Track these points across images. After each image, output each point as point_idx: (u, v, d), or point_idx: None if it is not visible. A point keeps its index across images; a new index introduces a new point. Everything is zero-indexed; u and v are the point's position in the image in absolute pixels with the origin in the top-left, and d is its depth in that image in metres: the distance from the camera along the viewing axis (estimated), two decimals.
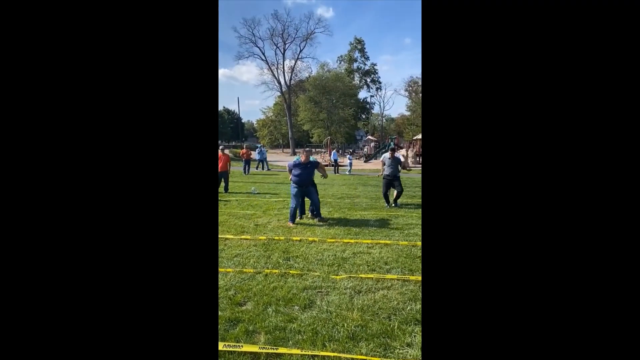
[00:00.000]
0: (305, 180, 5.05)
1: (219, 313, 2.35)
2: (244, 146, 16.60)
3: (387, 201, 6.45)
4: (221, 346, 1.94)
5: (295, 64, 36.01)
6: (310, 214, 5.37)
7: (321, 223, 5.08)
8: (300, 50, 35.98)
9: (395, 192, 6.46)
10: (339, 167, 15.40)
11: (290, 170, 5.23)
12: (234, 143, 45.51)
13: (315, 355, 1.87)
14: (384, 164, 6.38)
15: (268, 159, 17.69)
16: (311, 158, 5.19)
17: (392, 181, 6.30)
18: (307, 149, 6.18)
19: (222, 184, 8.32)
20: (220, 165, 7.95)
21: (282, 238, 4.26)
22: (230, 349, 1.92)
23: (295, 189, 5.04)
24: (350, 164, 15.32)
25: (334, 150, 17.06)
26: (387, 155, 6.44)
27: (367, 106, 45.19)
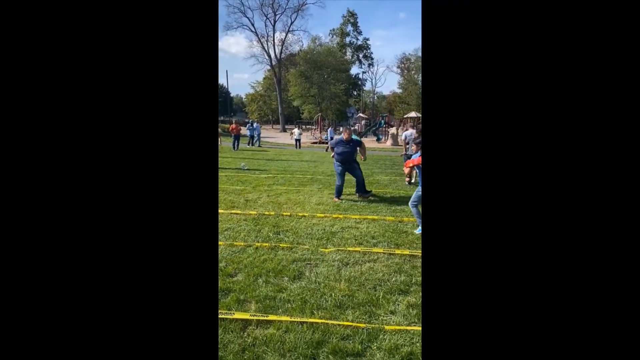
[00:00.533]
0: (348, 158, 5.10)
1: None
2: (234, 121, 16.31)
3: (410, 179, 6.63)
4: None
5: (285, 37, 34.85)
6: (357, 195, 5.30)
7: (363, 198, 5.17)
8: (292, 22, 34.73)
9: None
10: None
11: (332, 148, 5.25)
12: (222, 118, 44.55)
13: (304, 322, 1.97)
14: (407, 143, 6.45)
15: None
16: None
17: None
18: (348, 126, 6.20)
19: None
20: None
21: (272, 213, 4.32)
22: (223, 316, 2.00)
23: (340, 167, 5.08)
24: None
25: (330, 128, 16.94)
26: (414, 133, 6.57)
27: (359, 82, 44.51)
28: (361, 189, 5.25)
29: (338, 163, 5.09)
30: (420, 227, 3.71)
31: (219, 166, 8.58)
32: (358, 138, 5.40)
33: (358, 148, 5.27)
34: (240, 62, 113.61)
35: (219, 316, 2.00)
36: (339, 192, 5.16)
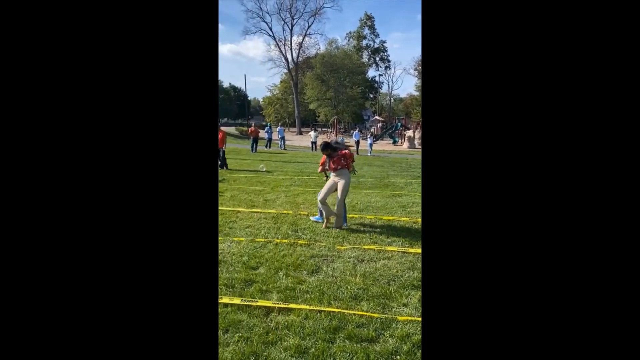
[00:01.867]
0: None
1: (235, 275, 2.62)
2: (252, 124, 16.78)
3: None
4: (239, 300, 2.21)
5: (303, 40, 35.33)
6: None
7: None
8: (309, 26, 35.21)
9: None
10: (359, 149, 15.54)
11: None
12: (240, 121, 45.45)
13: (322, 310, 2.13)
14: None
15: (275, 138, 18.01)
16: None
17: None
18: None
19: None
20: None
21: (290, 212, 4.50)
22: (247, 303, 2.19)
23: None
24: (371, 145, 15.49)
25: (356, 131, 17.09)
26: None
27: (376, 85, 44.44)
28: None
29: None
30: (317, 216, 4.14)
31: (239, 168, 8.88)
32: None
33: None
34: (258, 66, 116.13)
35: (245, 303, 2.19)
36: None
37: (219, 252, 3.12)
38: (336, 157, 3.85)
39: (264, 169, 8.75)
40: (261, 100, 53.80)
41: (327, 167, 3.98)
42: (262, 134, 17.14)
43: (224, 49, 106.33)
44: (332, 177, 3.91)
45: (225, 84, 50.60)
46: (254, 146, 14.26)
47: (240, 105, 50.46)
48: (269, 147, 16.51)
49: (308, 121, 41.75)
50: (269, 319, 2.06)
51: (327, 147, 3.90)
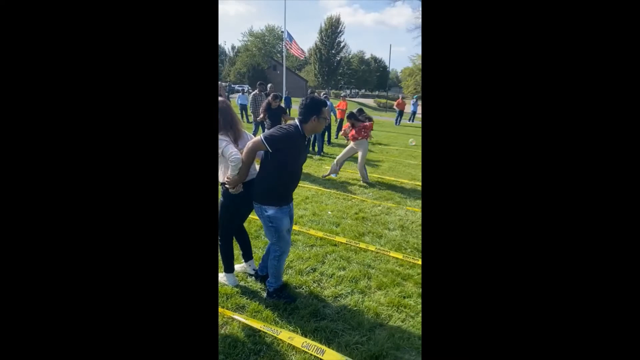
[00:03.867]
0: None
1: (414, 240, 2.82)
2: (400, 97, 16.55)
3: None
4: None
5: None
6: None
7: None
8: None
9: None
10: None
11: None
12: (377, 93, 45.43)
13: None
14: None
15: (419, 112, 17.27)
16: None
17: None
18: None
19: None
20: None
21: None
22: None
23: None
24: None
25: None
26: None
27: None
28: None
29: None
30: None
31: (387, 143, 9.08)
32: None
33: None
34: (401, 34, 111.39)
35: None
36: None
37: (399, 218, 3.40)
38: (358, 127, 4.29)
39: (414, 143, 8.67)
40: (400, 71, 51.97)
41: (347, 135, 4.44)
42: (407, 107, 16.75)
43: (367, 18, 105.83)
44: (352, 145, 4.43)
45: (367, 55, 50.75)
46: (398, 119, 14.16)
47: (379, 77, 50.15)
48: (413, 121, 16.06)
49: None
50: None
51: (351, 117, 4.37)
